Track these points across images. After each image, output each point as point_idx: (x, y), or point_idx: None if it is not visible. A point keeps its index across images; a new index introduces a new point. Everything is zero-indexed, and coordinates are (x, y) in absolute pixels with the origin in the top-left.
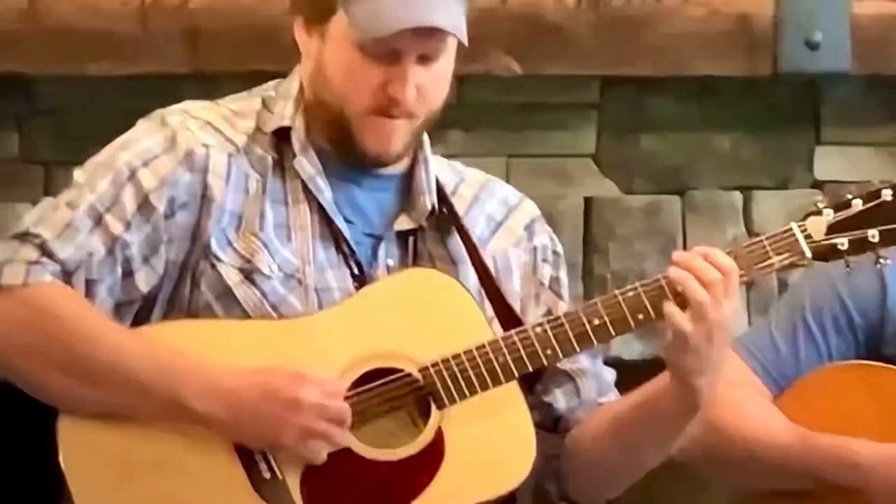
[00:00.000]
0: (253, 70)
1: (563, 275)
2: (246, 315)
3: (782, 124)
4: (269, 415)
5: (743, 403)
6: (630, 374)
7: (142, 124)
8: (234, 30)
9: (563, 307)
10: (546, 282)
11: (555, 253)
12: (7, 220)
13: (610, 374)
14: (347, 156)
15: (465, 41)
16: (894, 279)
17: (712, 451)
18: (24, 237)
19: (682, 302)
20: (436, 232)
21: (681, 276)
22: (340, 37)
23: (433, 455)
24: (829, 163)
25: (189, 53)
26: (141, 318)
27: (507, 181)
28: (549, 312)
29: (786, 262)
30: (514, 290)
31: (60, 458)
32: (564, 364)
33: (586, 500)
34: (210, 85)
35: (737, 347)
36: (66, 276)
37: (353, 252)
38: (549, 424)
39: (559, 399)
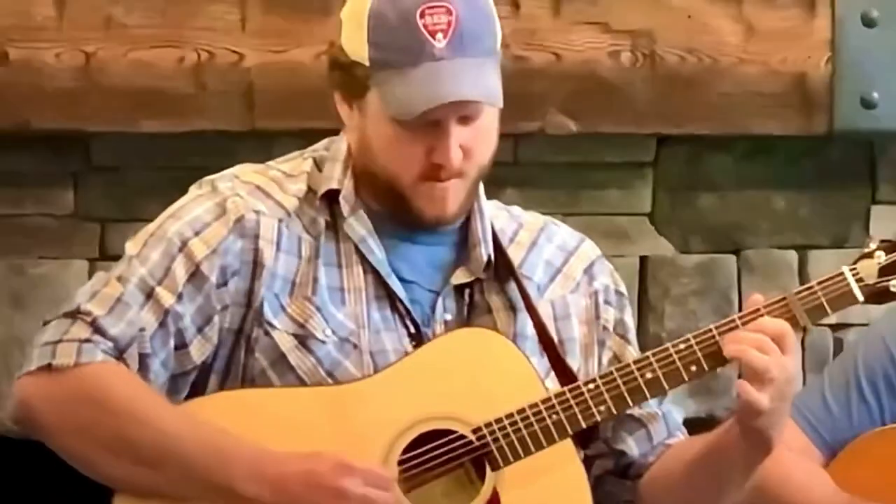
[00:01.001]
0: (307, 128)
1: (627, 317)
2: (301, 381)
3: (838, 183)
4: (314, 503)
5: (789, 466)
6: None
7: (192, 192)
8: (288, 88)
9: (630, 352)
10: (610, 326)
11: (618, 293)
12: (62, 277)
13: (678, 413)
14: (404, 219)
15: (500, 105)
16: None
17: None
18: (75, 315)
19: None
20: (493, 281)
21: (738, 349)
22: (377, 113)
23: None
24: (886, 221)
25: (243, 111)
26: (197, 387)
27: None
28: (615, 357)
29: (838, 307)
30: (573, 336)
31: None
32: (634, 410)
33: None
34: (264, 142)
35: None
36: (119, 352)
37: (408, 311)
38: (621, 471)
39: (631, 446)
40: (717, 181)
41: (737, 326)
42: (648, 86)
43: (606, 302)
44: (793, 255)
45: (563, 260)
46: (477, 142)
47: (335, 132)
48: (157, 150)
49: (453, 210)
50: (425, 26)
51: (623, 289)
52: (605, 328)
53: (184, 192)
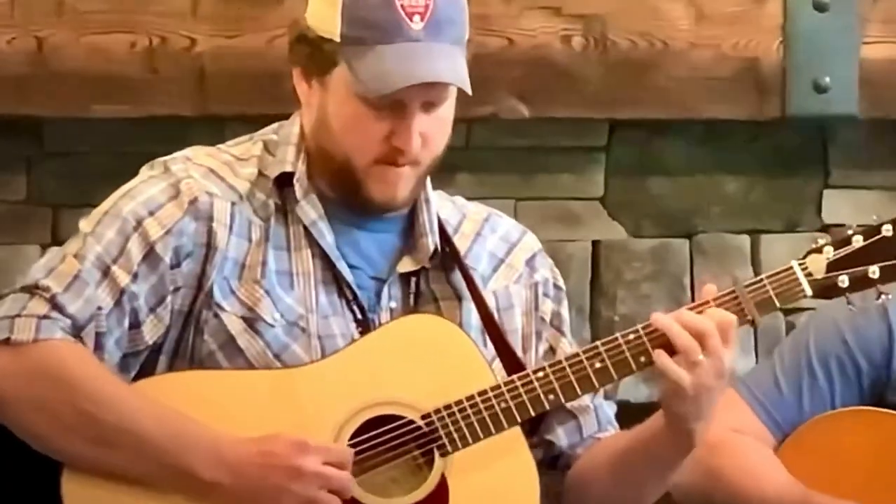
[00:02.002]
0: (259, 113)
1: (564, 310)
2: (249, 364)
3: (790, 168)
4: (272, 485)
5: (744, 454)
6: (638, 417)
7: (145, 172)
8: (240, 73)
9: (564, 344)
10: (547, 318)
11: (556, 287)
12: (15, 262)
13: (610, 409)
14: (353, 203)
15: (470, 91)
16: None
17: (710, 499)
18: (32, 290)
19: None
20: (439, 271)
21: (666, 323)
22: (343, 89)
23: (437, 502)
24: (838, 206)
25: (196, 96)
26: (146, 368)
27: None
28: (551, 349)
29: (787, 301)
30: (515, 327)
31: None
32: None
33: None
34: (216, 127)
35: (739, 389)
36: (77, 330)
37: (355, 297)
38: (550, 462)
39: (561, 437)
40: (669, 166)
41: None
42: (600, 70)
43: (545, 294)
44: (745, 240)
45: (507, 251)
46: (435, 131)
47: (285, 118)
48: (109, 135)
49: (403, 196)
50: (403, 7)
51: (561, 283)
52: (542, 319)
53: (136, 176)
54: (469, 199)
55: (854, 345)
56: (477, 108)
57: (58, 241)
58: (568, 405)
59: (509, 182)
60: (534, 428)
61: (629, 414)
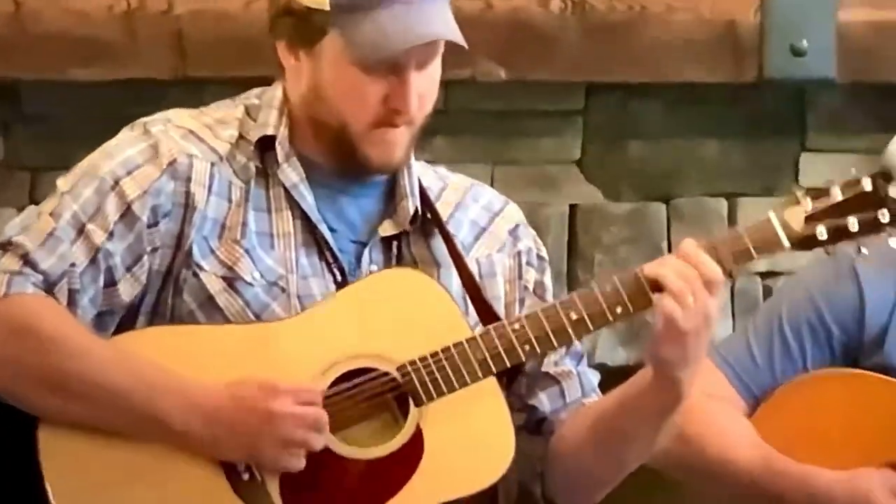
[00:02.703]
0: (238, 77)
1: (547, 279)
2: (228, 323)
3: (768, 131)
4: (246, 429)
5: (714, 419)
6: (615, 381)
7: (124, 133)
8: (220, 37)
9: None
10: (531, 286)
11: (539, 257)
12: None
13: (594, 376)
14: (347, 168)
15: (465, 45)
16: (872, 289)
17: (682, 462)
18: (5, 247)
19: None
20: (420, 236)
21: (659, 271)
22: (335, 56)
23: (412, 453)
24: (815, 170)
25: (175, 60)
26: (124, 327)
27: (492, 188)
28: None
29: (764, 252)
30: (497, 295)
31: (41, 465)
32: (549, 367)
33: (568, 501)
34: (195, 91)
35: (712, 355)
36: (49, 287)
37: (335, 259)
38: (533, 427)
39: (543, 402)
40: (646, 129)
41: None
42: (578, 34)
43: (529, 264)
44: (722, 203)
45: (489, 220)
46: (429, 89)
47: (266, 80)
48: (87, 99)
49: (400, 157)
50: None
51: (544, 253)
52: (525, 288)
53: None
54: (445, 162)
55: (826, 310)
56: (454, 71)
57: (35, 203)
58: (551, 371)
59: (487, 145)
60: (511, 380)
61: (607, 377)
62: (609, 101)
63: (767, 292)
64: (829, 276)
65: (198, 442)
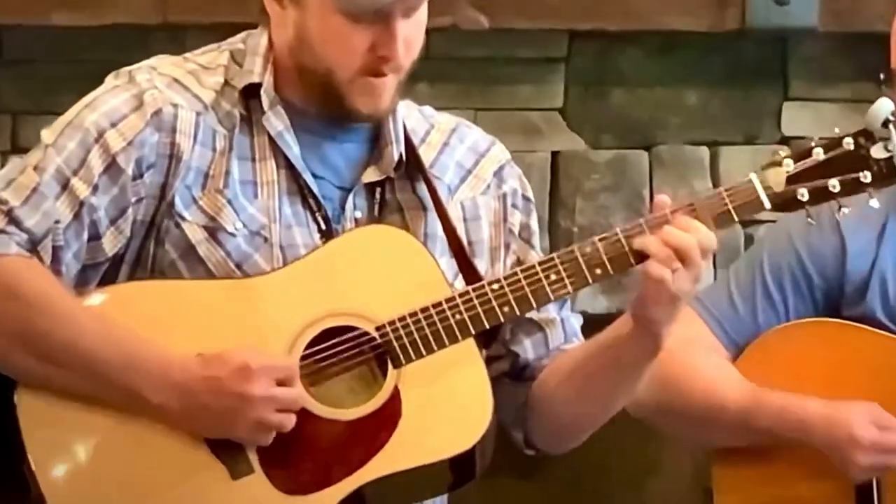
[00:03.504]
0: (221, 22)
1: (533, 222)
2: (210, 273)
3: (750, 80)
4: (221, 410)
5: (697, 361)
6: (596, 329)
7: (109, 82)
8: None
9: (533, 256)
10: (516, 230)
11: (525, 198)
12: None
13: (576, 320)
14: (334, 116)
15: None
16: (853, 239)
17: (666, 408)
18: None
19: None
20: (405, 181)
21: (651, 243)
22: (322, 5)
23: (390, 414)
24: (797, 118)
25: (157, 5)
26: (107, 279)
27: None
28: (518, 261)
29: (745, 214)
30: (482, 238)
31: (20, 428)
32: (532, 314)
33: (550, 447)
34: (178, 36)
35: (694, 306)
36: (33, 245)
37: (320, 207)
38: (516, 374)
39: (527, 348)
40: (628, 77)
41: (643, 231)
42: None
43: (514, 206)
44: (704, 151)
45: (474, 161)
46: (415, 35)
47: (248, 26)
48: (69, 43)
49: (387, 104)
50: None
51: (530, 194)
52: (510, 231)
53: (96, 85)
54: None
55: (807, 259)
56: (436, 18)
57: (17, 148)
58: (535, 317)
59: (469, 93)
60: (489, 340)
61: (587, 325)
62: (591, 49)
63: (749, 241)
64: (812, 225)
65: (172, 417)
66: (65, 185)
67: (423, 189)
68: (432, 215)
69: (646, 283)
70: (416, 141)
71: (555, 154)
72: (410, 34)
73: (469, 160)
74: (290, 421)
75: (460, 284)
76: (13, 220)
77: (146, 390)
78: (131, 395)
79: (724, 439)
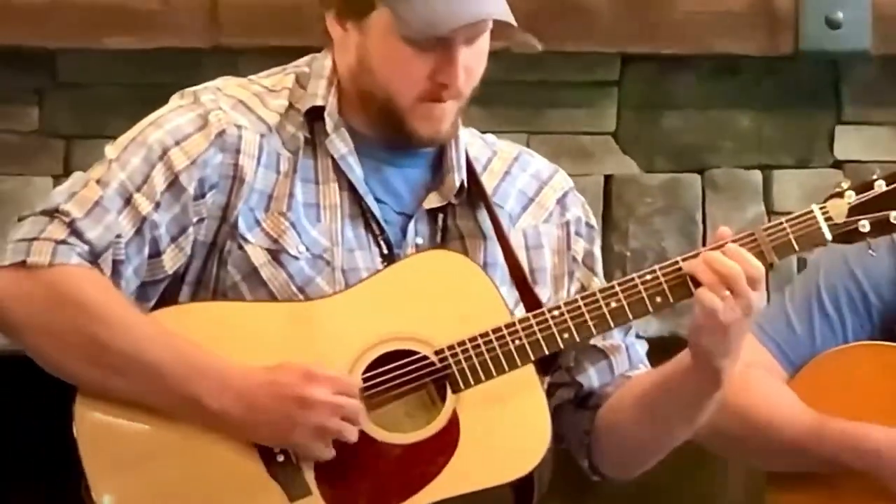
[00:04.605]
0: (273, 46)
1: (597, 250)
2: (272, 296)
3: (803, 103)
4: (281, 415)
5: (756, 385)
6: (650, 352)
7: (174, 102)
8: (255, 4)
9: (596, 284)
10: (580, 257)
11: (588, 226)
12: (27, 194)
13: (641, 347)
14: (394, 140)
15: (514, 23)
16: None
17: (723, 432)
18: (52, 214)
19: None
20: (467, 208)
21: (693, 266)
22: (383, 30)
23: (448, 439)
24: (849, 142)
25: (209, 28)
26: (168, 297)
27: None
28: (583, 288)
29: (806, 246)
30: (544, 266)
31: (75, 436)
32: (597, 340)
33: (616, 474)
34: (230, 60)
35: (752, 327)
36: (94, 257)
37: (382, 231)
38: (580, 401)
39: (592, 377)
40: (681, 100)
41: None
42: (613, 4)
43: (577, 233)
44: (757, 175)
45: (537, 189)
46: (476, 62)
47: (301, 49)
48: (121, 67)
49: (447, 129)
50: None
51: (593, 221)
52: (574, 259)
53: (148, 108)
54: (481, 133)
55: (864, 280)
56: (490, 42)
57: (69, 172)
58: (599, 344)
59: (521, 116)
60: (549, 366)
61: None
62: (644, 73)
63: (802, 263)
64: (866, 246)
65: (232, 424)
66: (128, 200)
67: (484, 217)
68: (493, 243)
69: (697, 310)
70: (478, 168)
71: (607, 178)
72: (471, 62)
73: (531, 188)
74: (350, 432)
75: (521, 313)
76: (75, 231)
77: (206, 397)
78: (191, 402)
79: (784, 465)
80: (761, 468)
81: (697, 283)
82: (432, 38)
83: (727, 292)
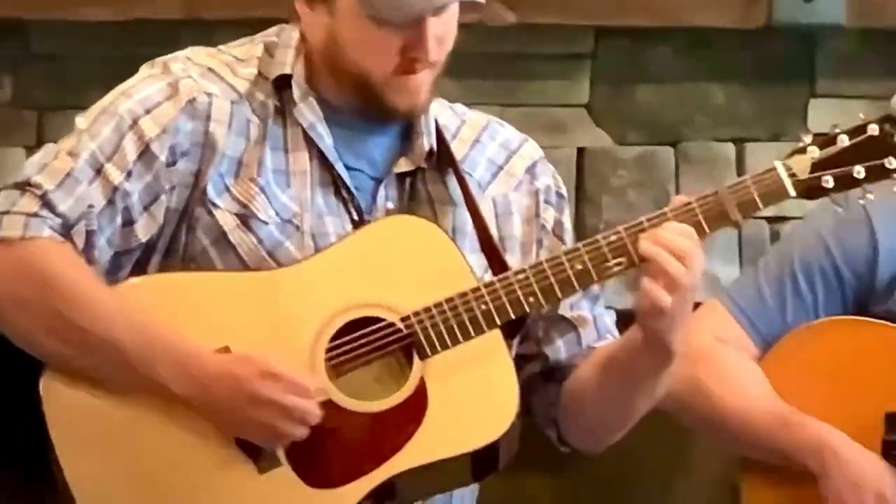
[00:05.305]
0: (249, 17)
1: (566, 219)
2: (241, 261)
3: (777, 77)
4: (234, 408)
5: (725, 365)
6: (624, 325)
7: (144, 71)
8: None
9: None
10: (549, 226)
11: (558, 195)
12: (0, 165)
13: (610, 318)
14: (373, 114)
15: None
16: (885, 235)
17: (693, 413)
18: (24, 187)
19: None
20: (436, 174)
21: (652, 251)
22: (351, 11)
23: (416, 406)
24: (823, 115)
25: (185, 0)
26: (140, 265)
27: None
28: None
29: (770, 202)
30: (513, 234)
31: (44, 411)
32: (565, 311)
33: (583, 446)
34: (206, 32)
35: (723, 300)
36: (66, 229)
37: (352, 198)
38: (548, 373)
39: (560, 348)
40: (655, 73)
41: (668, 219)
42: None
43: (547, 202)
44: (731, 148)
45: (506, 158)
46: (447, 31)
47: (276, 21)
48: (96, 39)
49: (424, 99)
50: None
51: (563, 190)
52: (543, 227)
53: (123, 80)
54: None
55: (838, 255)
56: (462, 14)
57: (43, 143)
58: (567, 315)
59: (495, 89)
60: (516, 331)
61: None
62: (618, 45)
63: (775, 237)
64: (842, 220)
65: (197, 408)
66: (98, 171)
67: (453, 183)
68: (462, 210)
69: (639, 296)
70: (447, 136)
71: (581, 150)
72: (441, 30)
73: (501, 157)
74: (300, 433)
75: (487, 277)
76: (47, 204)
77: (166, 380)
78: (152, 383)
79: (749, 454)
80: (726, 448)
81: None
82: (398, 19)
83: (684, 279)
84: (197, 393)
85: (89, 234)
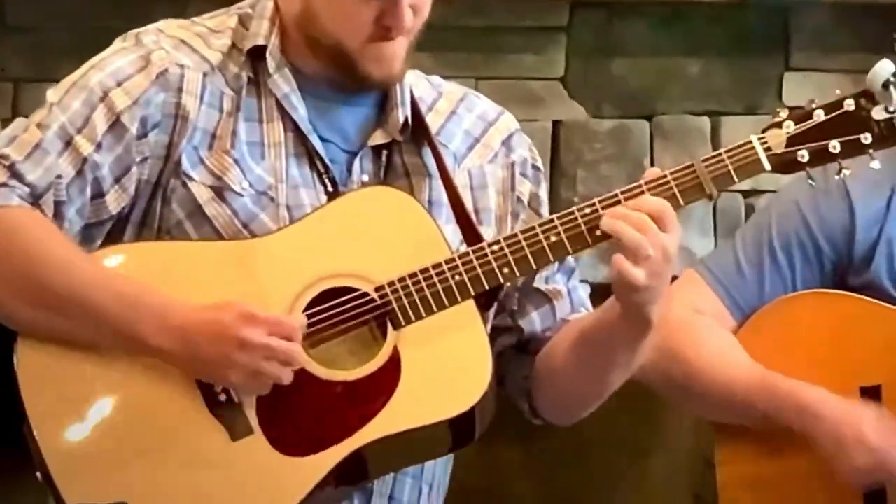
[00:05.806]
0: None
1: (542, 191)
2: (216, 233)
3: (752, 50)
4: (218, 354)
5: (703, 336)
6: (597, 298)
7: (117, 44)
8: None
9: None
10: (525, 198)
11: (534, 167)
12: None
13: (584, 290)
14: (348, 83)
15: None
16: (862, 206)
17: (671, 382)
18: None
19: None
20: (412, 145)
21: (614, 226)
22: None
23: (389, 376)
24: (798, 89)
25: None
26: (113, 238)
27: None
28: None
29: (745, 176)
30: (489, 206)
31: (17, 376)
32: (540, 283)
33: (556, 418)
34: (179, 4)
35: (701, 271)
36: (35, 198)
37: (327, 169)
38: (522, 346)
39: (534, 321)
40: (630, 46)
41: (643, 192)
42: None
43: (523, 174)
44: (705, 122)
45: (482, 130)
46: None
47: None
48: (72, 11)
49: (399, 68)
50: None
51: (539, 163)
52: (519, 200)
53: (98, 52)
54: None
55: (816, 227)
56: None
57: (19, 115)
58: (542, 287)
59: (469, 61)
60: (491, 302)
61: (590, 295)
62: (593, 18)
63: (749, 210)
64: (820, 191)
65: (172, 360)
66: (68, 142)
67: (429, 155)
68: (437, 182)
69: (612, 271)
70: (423, 108)
71: (556, 123)
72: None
73: (477, 129)
74: (285, 375)
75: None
76: (15, 174)
77: (145, 333)
78: (131, 339)
79: (728, 419)
80: (705, 418)
81: None
82: None
83: (649, 251)
84: (180, 345)
85: (58, 205)
